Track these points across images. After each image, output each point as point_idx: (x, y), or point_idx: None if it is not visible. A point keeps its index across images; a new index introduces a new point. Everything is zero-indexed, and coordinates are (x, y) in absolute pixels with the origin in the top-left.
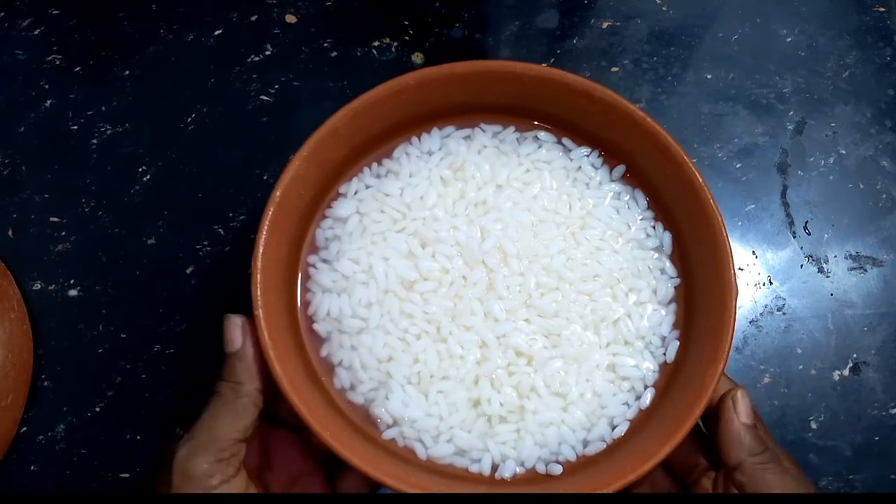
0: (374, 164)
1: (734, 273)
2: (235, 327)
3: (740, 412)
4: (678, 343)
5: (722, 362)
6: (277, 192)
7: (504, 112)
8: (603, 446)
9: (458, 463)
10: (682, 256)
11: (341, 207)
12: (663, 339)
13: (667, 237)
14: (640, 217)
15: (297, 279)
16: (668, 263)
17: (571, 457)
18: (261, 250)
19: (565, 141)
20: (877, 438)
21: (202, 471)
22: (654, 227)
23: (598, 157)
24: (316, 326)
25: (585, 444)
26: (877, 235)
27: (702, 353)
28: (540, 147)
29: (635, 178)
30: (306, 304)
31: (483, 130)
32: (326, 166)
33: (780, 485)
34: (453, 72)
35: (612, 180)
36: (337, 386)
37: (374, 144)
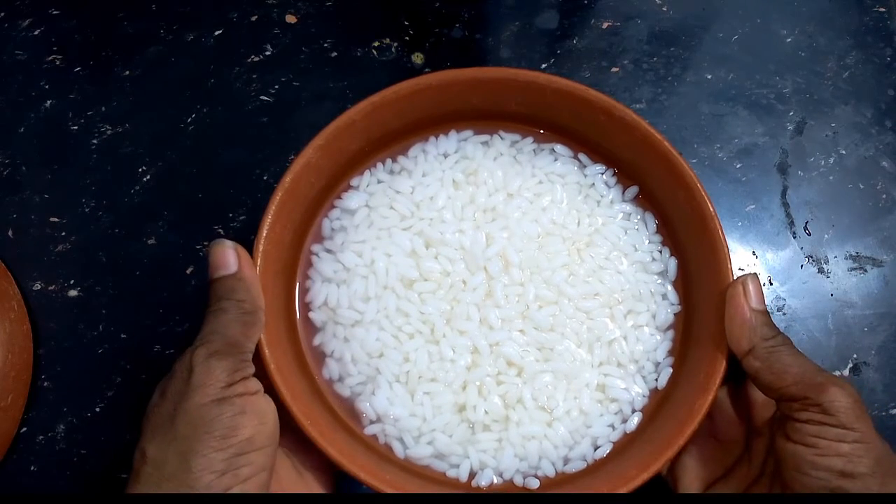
0: (389, 160)
1: None
2: (229, 250)
3: (751, 297)
4: (671, 370)
5: (712, 394)
6: (287, 178)
7: (524, 121)
8: (583, 465)
9: (436, 466)
10: (686, 284)
11: (351, 199)
12: (657, 364)
13: (672, 263)
14: (648, 240)
15: (298, 266)
16: (670, 289)
17: (550, 473)
18: (264, 233)
19: (581, 156)
20: (879, 434)
21: (224, 366)
22: (660, 252)
23: (613, 175)
24: (312, 315)
25: (566, 461)
26: (877, 236)
27: (693, 383)
28: (556, 160)
29: (647, 200)
30: (305, 291)
31: (501, 138)
32: (340, 157)
33: (796, 363)
34: (476, 76)
35: (624, 200)
36: (325, 376)
37: (391, 140)
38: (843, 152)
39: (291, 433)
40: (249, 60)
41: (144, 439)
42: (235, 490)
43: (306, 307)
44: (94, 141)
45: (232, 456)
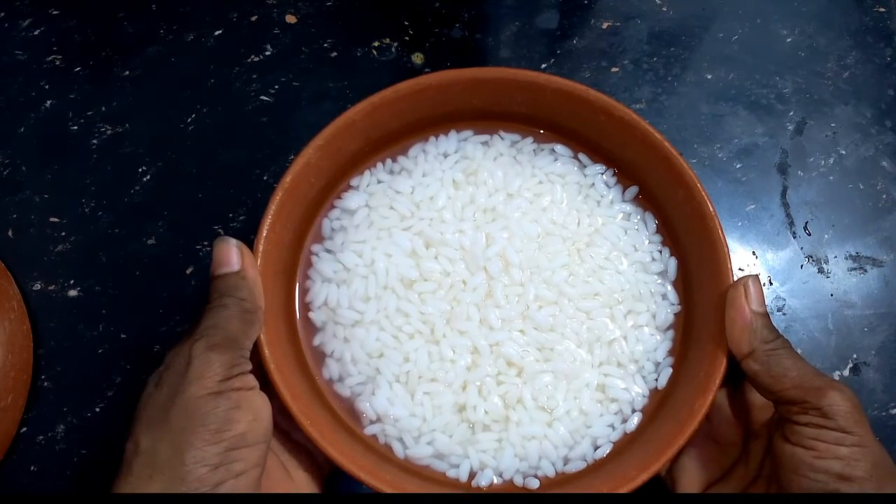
0: (389, 160)
1: None
2: (232, 248)
3: (752, 300)
4: (671, 370)
5: (712, 394)
6: (287, 178)
7: (524, 121)
8: (583, 465)
9: (436, 466)
10: (686, 284)
11: (351, 199)
12: (657, 364)
13: (672, 263)
14: (648, 240)
15: (298, 266)
16: (670, 289)
17: (550, 473)
18: (264, 233)
19: (581, 156)
20: (877, 439)
21: (222, 360)
22: (660, 252)
23: (613, 175)
24: (312, 315)
25: (566, 461)
26: (877, 235)
27: (693, 383)
28: (556, 160)
29: (647, 200)
30: (305, 291)
31: (501, 138)
32: (339, 157)
33: (795, 366)
34: (476, 76)
35: (624, 200)
36: (325, 376)
37: (391, 140)
38: (843, 152)
39: (280, 434)
40: (249, 60)
41: (138, 430)
42: (227, 485)
43: (306, 307)
44: (94, 141)
45: (225, 450)
